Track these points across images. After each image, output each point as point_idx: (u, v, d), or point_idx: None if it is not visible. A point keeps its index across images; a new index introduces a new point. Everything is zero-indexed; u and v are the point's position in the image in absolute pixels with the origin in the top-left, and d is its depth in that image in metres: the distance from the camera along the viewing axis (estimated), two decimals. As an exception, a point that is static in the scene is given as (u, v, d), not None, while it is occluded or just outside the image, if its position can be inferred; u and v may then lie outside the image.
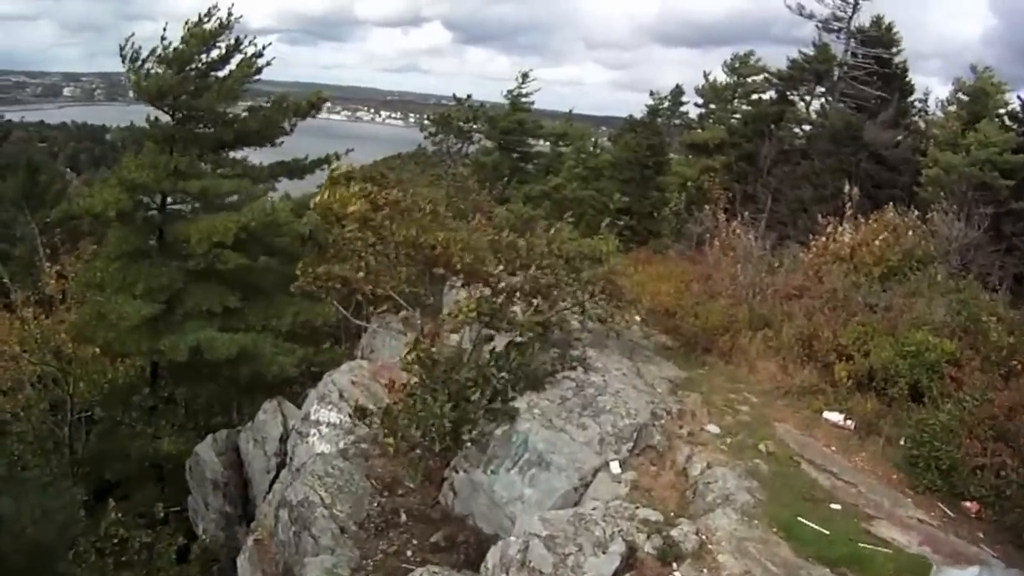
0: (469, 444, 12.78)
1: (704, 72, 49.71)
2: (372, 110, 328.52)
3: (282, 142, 25.55)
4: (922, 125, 44.77)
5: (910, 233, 21.14)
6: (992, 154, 35.63)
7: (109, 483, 24.37)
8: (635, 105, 52.30)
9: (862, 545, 10.02)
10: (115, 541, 17.51)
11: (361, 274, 15.06)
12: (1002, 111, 40.80)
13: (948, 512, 11.39)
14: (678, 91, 52.66)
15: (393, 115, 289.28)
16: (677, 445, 12.29)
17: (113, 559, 17.29)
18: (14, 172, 37.75)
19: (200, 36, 22.31)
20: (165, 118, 23.59)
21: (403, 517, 13.08)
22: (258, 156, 26.33)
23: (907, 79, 45.15)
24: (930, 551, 10.12)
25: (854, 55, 42.73)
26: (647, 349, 16.80)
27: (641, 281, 22.07)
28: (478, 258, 14.20)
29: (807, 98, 46.84)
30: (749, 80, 47.21)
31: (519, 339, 13.66)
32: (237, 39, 23.13)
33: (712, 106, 48.40)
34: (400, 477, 13.82)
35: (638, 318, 16.32)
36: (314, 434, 16.61)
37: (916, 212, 23.10)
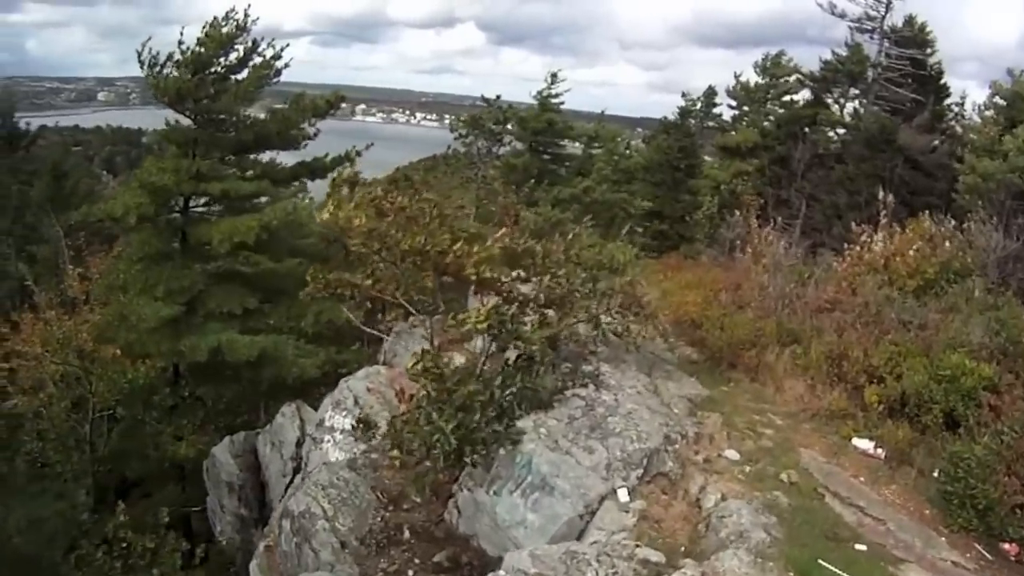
0: (473, 464, 11.89)
1: (735, 73, 48.26)
2: (407, 112, 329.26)
3: (306, 145, 24.90)
4: (959, 130, 42.76)
5: (947, 244, 19.85)
6: (1031, 160, 33.64)
7: (130, 481, 24.18)
8: (670, 107, 51.23)
9: (889, 594, 8.88)
10: (123, 544, 16.90)
11: (368, 281, 14.32)
12: (1041, 116, 38.76)
13: (985, 554, 10.24)
14: (710, 92, 51.20)
15: (428, 116, 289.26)
16: (691, 473, 11.30)
17: (120, 562, 16.68)
18: (41, 176, 37.50)
19: (217, 39, 21.79)
20: (186, 121, 23.02)
21: (406, 534, 12.29)
22: (289, 159, 25.78)
23: (942, 82, 43.00)
24: (965, 600, 8.98)
25: (887, 56, 40.65)
26: (669, 363, 15.82)
27: (669, 289, 21.24)
28: (489, 266, 13.22)
29: (841, 100, 45.09)
30: (781, 81, 45.78)
31: (528, 354, 12.76)
32: (254, 41, 22.65)
33: (745, 108, 47.10)
34: (407, 491, 13.00)
35: (656, 333, 15.17)
36: (328, 440, 15.88)
37: (952, 221, 21.74)
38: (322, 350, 22.40)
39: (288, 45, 23.24)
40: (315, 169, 24.83)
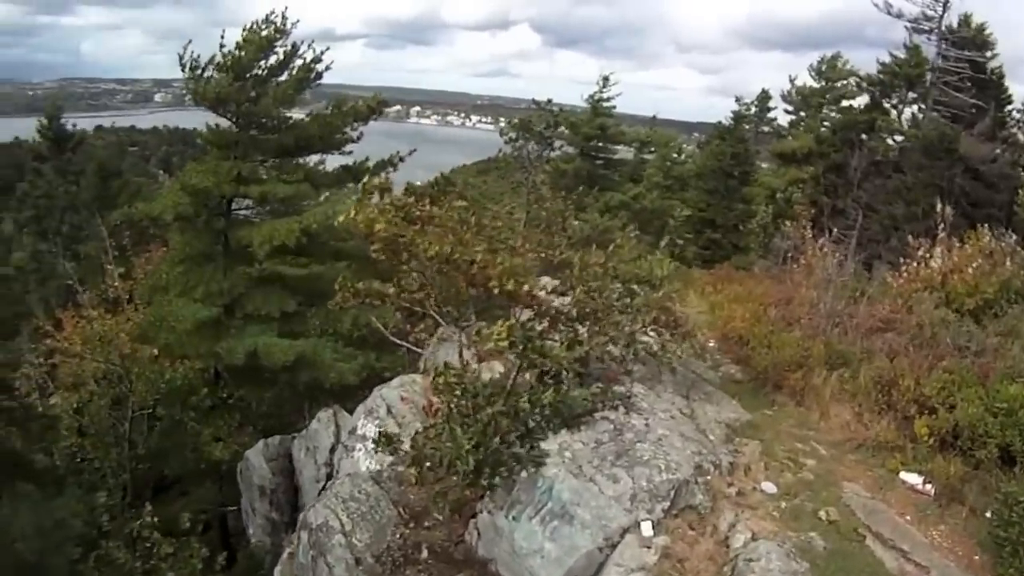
0: (491, 486, 11.22)
1: (790, 76, 47.27)
2: (462, 114, 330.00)
3: (351, 151, 24.54)
4: (1021, 138, 40.92)
5: (1008, 261, 18.54)
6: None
7: (168, 479, 24.08)
8: (726, 111, 50.12)
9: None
10: (148, 544, 16.57)
11: (393, 290, 13.72)
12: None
13: (1038, 611, 9.16)
14: (764, 96, 50.12)
15: (483, 119, 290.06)
16: (722, 507, 10.43)
17: (141, 563, 16.34)
18: (87, 176, 37.82)
19: (256, 42, 21.48)
20: (227, 124, 22.84)
21: (424, 553, 11.67)
22: (340, 160, 25.43)
23: (1004, 87, 40.97)
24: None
25: (945, 59, 38.53)
26: (710, 383, 14.96)
27: (717, 302, 20.37)
28: (512, 277, 12.49)
29: (899, 106, 43.17)
30: (838, 84, 44.28)
31: (555, 372, 12.01)
32: (294, 44, 22.30)
33: (801, 113, 45.68)
34: (430, 508, 12.33)
35: (693, 353, 14.27)
36: (359, 449, 15.35)
37: (1014, 235, 20.38)
38: (361, 355, 21.95)
39: (328, 48, 22.93)
40: (358, 173, 24.34)
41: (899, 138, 42.09)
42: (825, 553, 9.51)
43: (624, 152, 42.32)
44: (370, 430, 16.04)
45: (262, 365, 21.51)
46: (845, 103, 44.61)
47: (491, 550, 11.23)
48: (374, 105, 24.21)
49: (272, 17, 21.56)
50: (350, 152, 24.67)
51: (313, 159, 24.76)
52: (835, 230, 20.06)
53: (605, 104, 38.68)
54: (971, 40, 38.22)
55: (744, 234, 35.03)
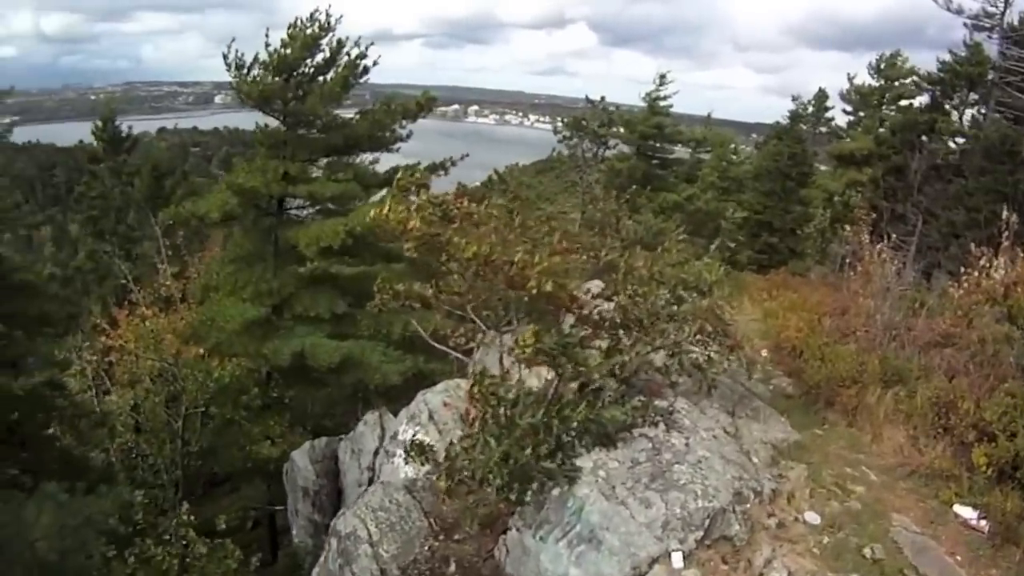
0: (519, 503, 10.61)
1: (848, 75, 45.43)
2: (520, 113, 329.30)
3: (399, 148, 24.17)
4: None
5: (1075, 274, 17.18)
6: None
7: (220, 476, 24.11)
8: (784, 111, 48.72)
9: None
10: (184, 543, 16.39)
11: (431, 292, 13.15)
12: None
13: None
14: (822, 96, 48.47)
15: (541, 118, 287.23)
16: (759, 539, 9.55)
17: (178, 561, 16.15)
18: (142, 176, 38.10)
19: (301, 40, 21.25)
20: (275, 123, 22.82)
21: (452, 567, 11.12)
22: (392, 160, 25.09)
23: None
24: None
25: (1006, 56, 36.37)
26: (760, 398, 14.07)
27: (772, 310, 19.50)
28: (549, 279, 11.83)
29: (960, 106, 41.05)
30: (896, 84, 42.48)
31: (594, 384, 11.34)
32: (339, 41, 21.96)
33: (860, 113, 43.96)
34: (462, 520, 11.83)
35: (740, 366, 13.40)
36: (399, 455, 14.84)
37: (1081, 244, 18.96)
38: (410, 358, 21.57)
39: (372, 44, 22.52)
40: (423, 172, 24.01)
41: (960, 140, 40.14)
42: (867, 599, 8.63)
43: (681, 152, 41.38)
44: (411, 435, 15.67)
45: (310, 366, 21.33)
46: (904, 102, 42.78)
47: (518, 569, 10.58)
48: (423, 102, 23.82)
49: (316, 15, 21.31)
50: (397, 149, 24.40)
51: (368, 159, 24.51)
52: (894, 236, 18.94)
53: (662, 103, 37.73)
54: (1032, 37, 36.15)
55: (801, 238, 33.78)
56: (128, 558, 14.98)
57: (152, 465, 23.22)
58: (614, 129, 36.56)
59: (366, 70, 22.74)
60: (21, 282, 18.11)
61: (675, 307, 12.44)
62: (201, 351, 22.62)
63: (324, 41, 21.85)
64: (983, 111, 38.97)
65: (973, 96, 40.54)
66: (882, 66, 43.21)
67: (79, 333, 27.18)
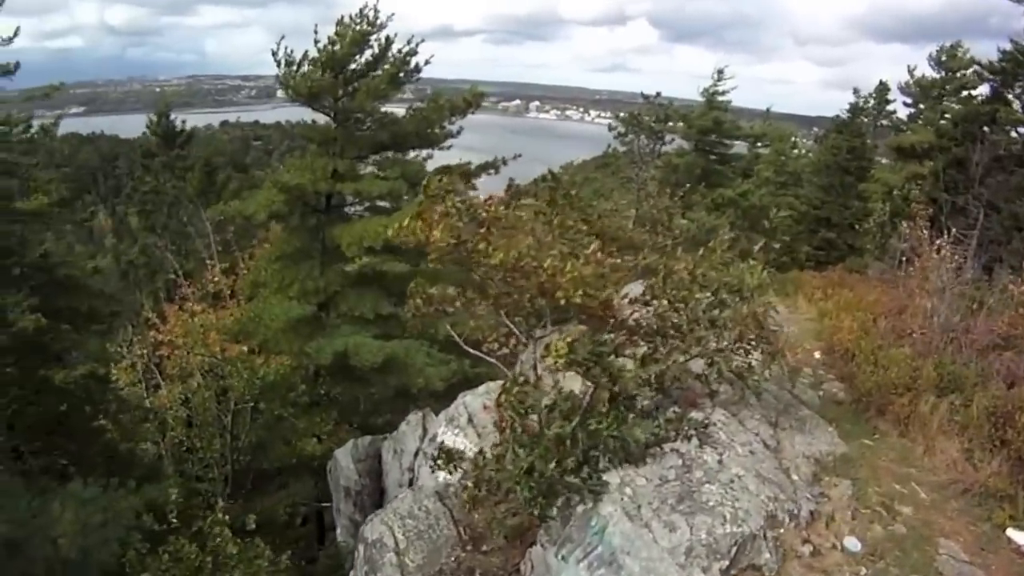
0: (542, 519, 10.02)
1: (908, 67, 43.87)
2: (581, 109, 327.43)
3: (450, 145, 23.67)
4: None
5: None
6: None
7: (269, 472, 24.00)
8: (845, 104, 47.38)
9: None
10: (218, 540, 16.14)
11: (458, 295, 12.58)
12: None
13: None
14: (882, 88, 46.82)
15: (602, 114, 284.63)
16: (791, 569, 8.70)
17: (212, 559, 15.91)
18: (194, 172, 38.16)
19: (350, 36, 20.93)
20: (325, 120, 22.66)
21: (476, 579, 10.50)
22: (447, 157, 24.67)
23: None
24: None
25: None
26: (807, 405, 13.15)
27: (826, 310, 18.58)
28: (580, 288, 11.16)
29: (1022, 96, 39.01)
30: (958, 75, 40.72)
31: (625, 394, 10.65)
32: (387, 38, 21.70)
33: (920, 105, 42.32)
34: (491, 530, 11.33)
35: (782, 374, 12.55)
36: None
37: None
38: (455, 361, 21.13)
39: (423, 41, 22.31)
40: (460, 173, 23.50)
41: (1023, 131, 38.18)
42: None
43: (740, 147, 40.37)
44: (449, 439, 15.23)
45: (354, 365, 21.09)
46: (965, 93, 41.03)
47: (541, 586, 10.02)
48: (471, 98, 23.35)
49: (365, 11, 20.95)
50: (449, 147, 23.97)
51: (423, 155, 24.12)
52: (954, 230, 17.81)
53: (720, 97, 36.73)
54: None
55: (860, 234, 32.53)
56: (162, 555, 14.80)
57: (202, 459, 23.26)
58: (670, 124, 35.71)
59: (417, 67, 22.40)
60: (65, 277, 18.13)
61: (716, 312, 11.70)
62: (247, 348, 22.48)
63: (373, 38, 21.58)
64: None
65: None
66: (943, 57, 41.65)
67: (129, 328, 27.45)
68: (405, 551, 11.35)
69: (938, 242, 16.04)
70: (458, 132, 23.57)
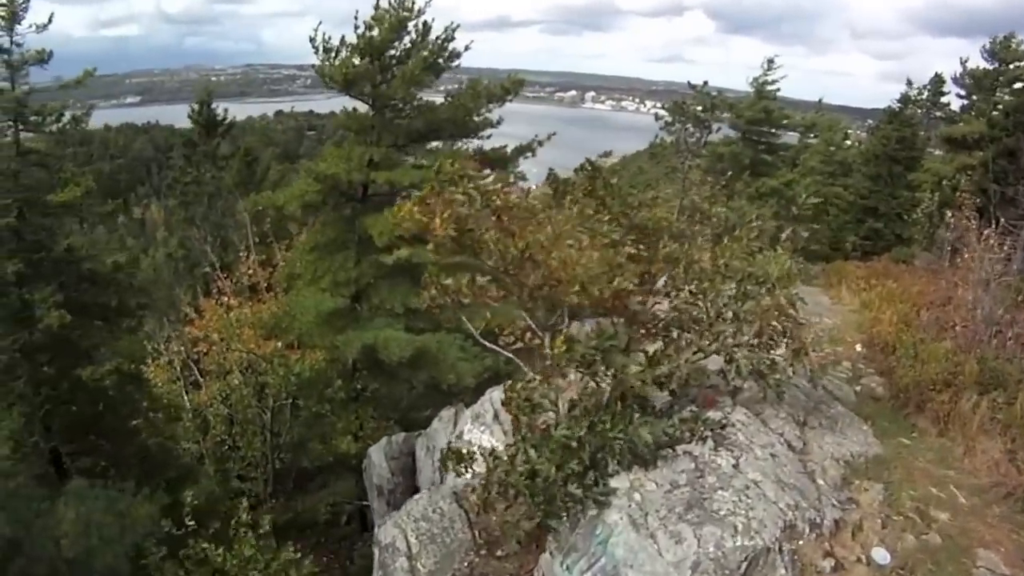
0: (546, 527, 9.40)
1: (961, 59, 42.51)
2: (637, 100, 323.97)
3: (490, 135, 22.91)
4: None
5: None
6: None
7: (311, 470, 23.78)
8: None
9: None
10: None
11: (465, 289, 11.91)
12: None
13: None
14: (938, 80, 45.67)
15: (658, 105, 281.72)
16: None
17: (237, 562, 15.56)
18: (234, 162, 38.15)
19: (388, 22, 20.27)
20: (363, 108, 22.07)
21: (489, 586, 9.92)
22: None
23: None
24: None
25: None
26: (842, 401, 12.28)
27: (868, 301, 17.68)
28: (590, 284, 10.44)
29: None
30: (1011, 67, 39.13)
31: (636, 393, 9.90)
32: (425, 23, 20.83)
33: (974, 97, 40.87)
34: (504, 535, 10.69)
35: (806, 371, 11.67)
36: (476, 451, 14.06)
37: None
38: (490, 356, 20.46)
39: (458, 26, 21.48)
40: (494, 160, 22.77)
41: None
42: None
43: (791, 139, 39.55)
44: (475, 436, 14.71)
45: (383, 359, 20.41)
46: (1019, 85, 39.54)
47: (546, 596, 9.36)
48: (510, 86, 22.52)
49: None
50: (488, 136, 23.04)
51: (472, 144, 23.43)
52: (1003, 220, 16.77)
53: (769, 87, 35.71)
54: None
55: (908, 224, 31.56)
56: (183, 560, 14.50)
57: (244, 458, 23.10)
58: (717, 113, 34.77)
59: (455, 53, 21.64)
60: (90, 271, 17.97)
61: (740, 304, 10.88)
62: (280, 343, 22.18)
63: (411, 24, 20.88)
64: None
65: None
66: (996, 49, 40.29)
67: (166, 322, 27.44)
68: (417, 555, 10.79)
69: (986, 232, 15.04)
70: (498, 121, 22.74)
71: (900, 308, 15.91)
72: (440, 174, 12.15)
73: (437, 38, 21.21)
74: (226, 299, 24.79)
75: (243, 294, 26.14)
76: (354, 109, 22.48)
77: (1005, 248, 15.29)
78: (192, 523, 14.64)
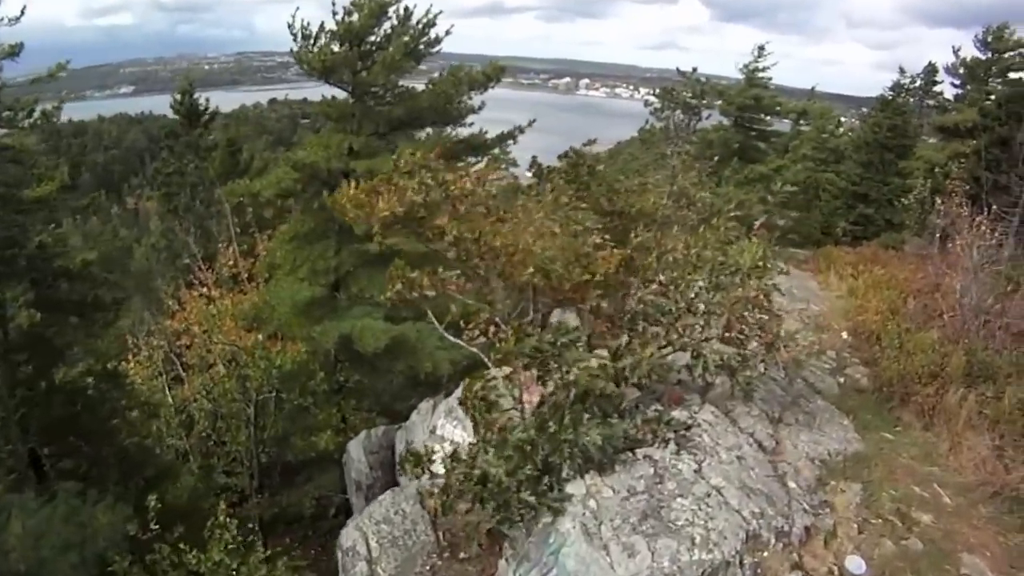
0: (500, 533, 8.81)
1: (953, 48, 42.47)
2: (631, 87, 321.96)
3: (472, 122, 22.14)
4: None
5: None
6: None
7: (295, 464, 23.18)
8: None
9: None
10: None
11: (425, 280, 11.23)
12: None
13: None
14: (931, 69, 45.83)
15: (651, 92, 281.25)
16: None
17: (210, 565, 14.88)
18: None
19: (367, 8, 19.51)
20: (343, 95, 21.36)
21: (450, 590, 9.44)
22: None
23: None
24: None
25: None
26: (823, 394, 11.64)
27: (855, 288, 17.06)
28: (545, 266, 9.79)
29: None
30: (1004, 56, 38.58)
31: (596, 392, 9.19)
32: (406, 8, 20.11)
33: (967, 86, 40.44)
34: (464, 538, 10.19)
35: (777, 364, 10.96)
36: (437, 451, 13.34)
37: None
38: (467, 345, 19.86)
39: (440, 12, 20.62)
40: (476, 146, 22.06)
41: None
42: None
43: (784, 126, 39.15)
44: (448, 431, 14.11)
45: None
46: (1012, 75, 39.14)
47: (504, 604, 8.76)
48: (491, 72, 21.75)
49: None
50: (471, 124, 22.27)
51: (455, 132, 22.71)
52: (995, 207, 16.15)
53: (760, 74, 35.06)
54: None
55: (898, 210, 31.39)
56: (151, 565, 13.84)
57: (229, 453, 22.52)
58: (706, 100, 34.16)
59: (436, 39, 20.86)
60: (62, 268, 17.30)
61: (711, 296, 10.18)
62: (260, 335, 21.55)
63: (392, 9, 20.16)
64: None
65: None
66: (989, 39, 39.87)
67: (147, 315, 26.82)
68: (377, 560, 10.30)
69: (978, 218, 14.33)
70: (480, 108, 22.08)
71: (887, 295, 15.31)
72: (396, 164, 11.62)
73: (418, 23, 20.47)
74: (207, 290, 24.12)
75: (225, 285, 25.49)
76: (333, 97, 21.82)
77: (996, 235, 14.54)
78: (156, 527, 13.97)
